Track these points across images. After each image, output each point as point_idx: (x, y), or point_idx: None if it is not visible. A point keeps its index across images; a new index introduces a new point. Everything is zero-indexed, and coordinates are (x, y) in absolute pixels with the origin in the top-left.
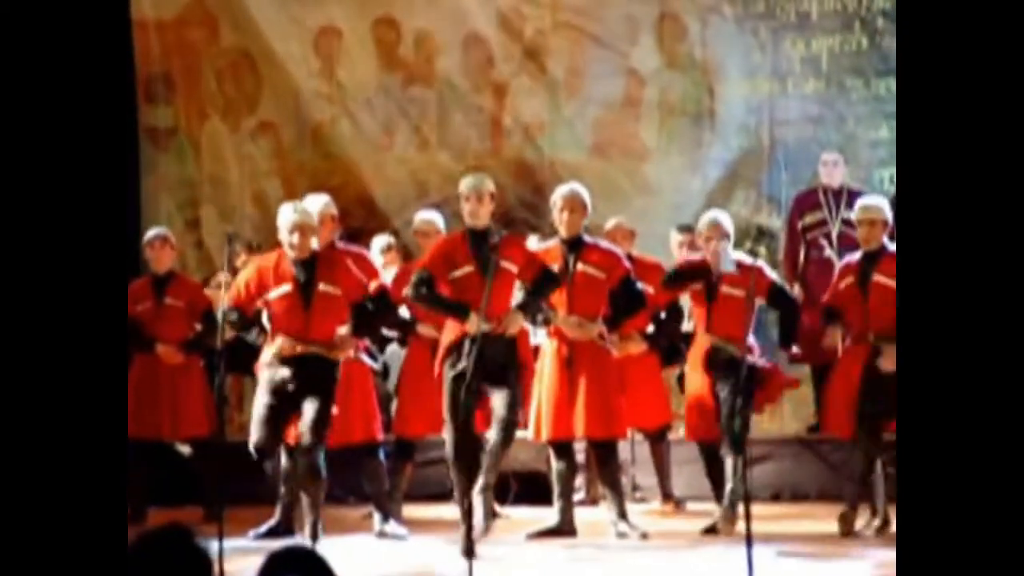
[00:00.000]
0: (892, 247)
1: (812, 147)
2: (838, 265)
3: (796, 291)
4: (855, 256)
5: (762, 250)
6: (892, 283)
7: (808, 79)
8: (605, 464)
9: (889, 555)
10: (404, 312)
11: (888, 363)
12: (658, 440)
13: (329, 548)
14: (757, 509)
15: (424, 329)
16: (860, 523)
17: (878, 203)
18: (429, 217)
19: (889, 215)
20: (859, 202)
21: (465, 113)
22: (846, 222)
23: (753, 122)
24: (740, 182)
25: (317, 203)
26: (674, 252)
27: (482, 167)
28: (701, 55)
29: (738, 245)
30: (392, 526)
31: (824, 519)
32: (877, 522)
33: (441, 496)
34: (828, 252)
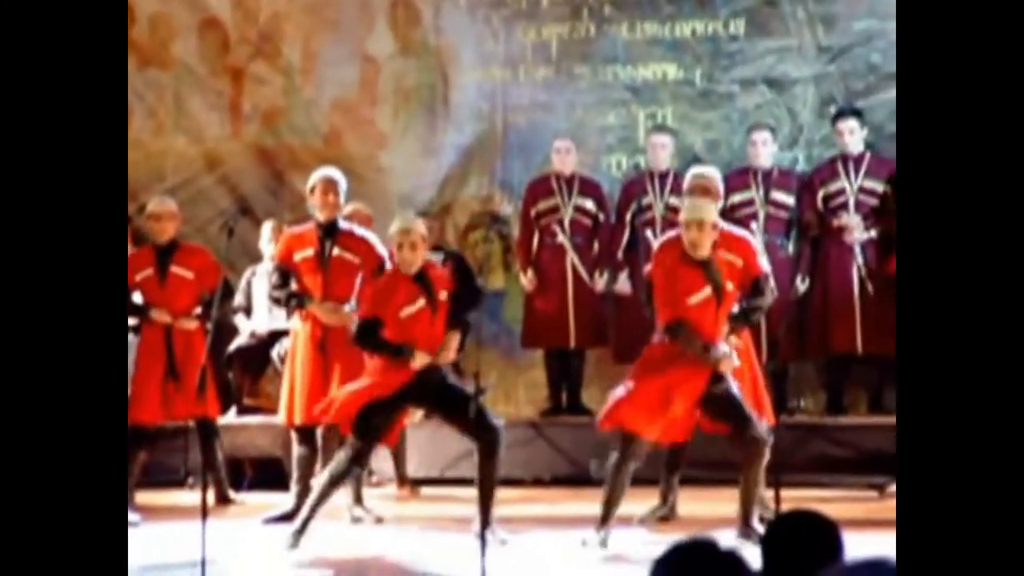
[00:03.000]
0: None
1: (543, 133)
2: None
3: (530, 276)
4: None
5: (494, 236)
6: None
7: (539, 66)
8: None
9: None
10: (136, 297)
11: None
12: None
13: None
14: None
15: (157, 315)
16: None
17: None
18: (163, 202)
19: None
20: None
21: (203, 98)
22: (578, 208)
23: (486, 108)
24: (474, 168)
25: None
26: None
27: (220, 152)
28: (435, 42)
29: (471, 231)
30: None
31: (557, 502)
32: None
33: (175, 483)
34: (561, 238)
